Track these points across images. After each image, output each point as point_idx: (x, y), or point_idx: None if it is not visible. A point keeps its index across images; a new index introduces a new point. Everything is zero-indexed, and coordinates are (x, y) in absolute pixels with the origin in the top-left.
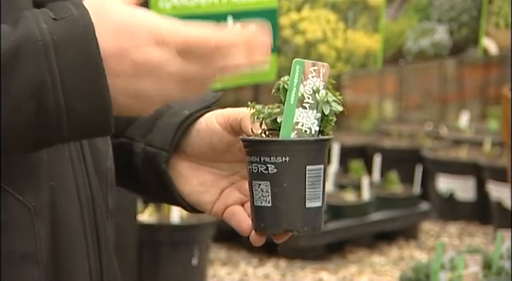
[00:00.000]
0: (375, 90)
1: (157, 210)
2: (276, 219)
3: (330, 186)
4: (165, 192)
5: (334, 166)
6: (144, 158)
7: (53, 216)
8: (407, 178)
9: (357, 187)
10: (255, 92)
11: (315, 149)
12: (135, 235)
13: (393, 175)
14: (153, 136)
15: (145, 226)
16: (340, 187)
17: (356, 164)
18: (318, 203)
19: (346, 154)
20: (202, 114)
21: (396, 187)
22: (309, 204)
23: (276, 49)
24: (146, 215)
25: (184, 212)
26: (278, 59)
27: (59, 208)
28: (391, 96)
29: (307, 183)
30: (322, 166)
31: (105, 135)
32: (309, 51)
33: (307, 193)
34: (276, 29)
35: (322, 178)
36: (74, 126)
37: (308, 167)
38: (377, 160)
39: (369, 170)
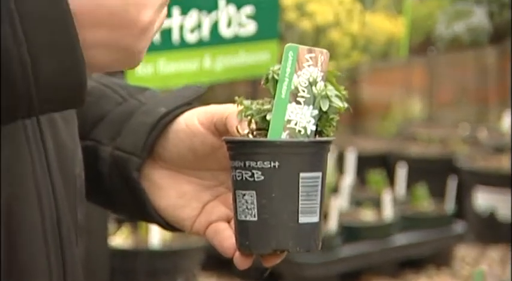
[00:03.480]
0: (399, 85)
1: (134, 231)
2: (263, 236)
3: (344, 202)
4: (136, 206)
5: (349, 178)
6: (111, 165)
7: (9, 226)
8: (438, 193)
9: (377, 204)
10: (252, 88)
11: (310, 153)
12: (105, 262)
13: (421, 189)
14: (122, 138)
15: (119, 252)
16: (357, 203)
17: (376, 176)
18: (314, 218)
19: (364, 163)
20: (181, 112)
21: (425, 204)
22: (302, 219)
23: (277, 36)
24: (120, 238)
25: (167, 235)
26: (280, 48)
27: (16, 216)
28: (419, 92)
29: (300, 194)
30: (319, 174)
31: (78, 104)
32: (318, 38)
33: (300, 205)
34: (276, 11)
35: (319, 188)
36: (42, 89)
37: (302, 175)
38: (401, 171)
39: (392, 183)
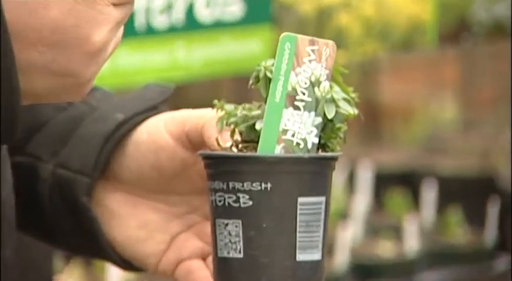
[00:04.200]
0: (426, 82)
1: (87, 270)
2: (251, 278)
3: (357, 231)
4: (85, 239)
5: (363, 201)
6: (52, 187)
7: None
8: (476, 219)
9: (399, 233)
10: (237, 87)
11: (311, 172)
12: None
13: (454, 215)
14: (67, 153)
15: None
16: (373, 232)
17: (397, 198)
18: (316, 255)
19: (382, 182)
20: (144, 119)
21: (459, 233)
22: (301, 256)
23: (270, 20)
24: (69, 279)
25: (129, 276)
26: (274, 35)
27: None
28: (451, 91)
29: (298, 224)
30: (322, 199)
31: (6, 140)
32: (322, 23)
33: (298, 238)
34: None
35: (322, 217)
36: None
37: (301, 200)
38: (429, 191)
39: (417, 207)
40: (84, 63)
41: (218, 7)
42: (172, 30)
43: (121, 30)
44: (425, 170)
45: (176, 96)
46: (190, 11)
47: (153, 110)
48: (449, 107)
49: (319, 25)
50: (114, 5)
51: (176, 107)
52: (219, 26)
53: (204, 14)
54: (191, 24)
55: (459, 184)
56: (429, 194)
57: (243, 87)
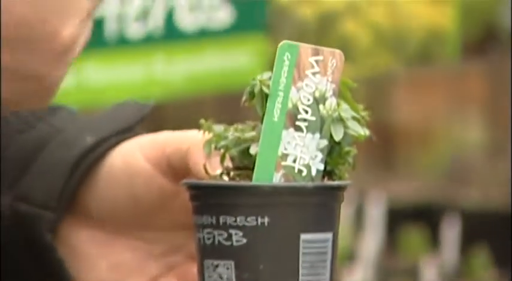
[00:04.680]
0: (447, 99)
1: None
2: None
3: (367, 274)
4: None
5: (374, 240)
6: (10, 222)
7: None
8: (504, 260)
9: (415, 277)
10: (227, 105)
11: (316, 204)
12: None
13: (480, 255)
14: (28, 184)
15: None
16: (386, 276)
17: (413, 236)
18: None
19: (396, 218)
20: (117, 143)
21: (484, 277)
22: None
23: (264, 28)
24: None
25: None
26: (268, 45)
27: None
28: (476, 110)
29: (301, 265)
30: (329, 235)
31: None
32: (324, 30)
33: None
34: None
35: (329, 257)
36: None
37: (304, 237)
38: (451, 228)
39: (437, 246)
40: (51, 63)
41: (203, 13)
42: (148, 40)
43: (90, 24)
44: (446, 203)
45: (154, 117)
46: (170, 18)
47: (128, 131)
48: (475, 128)
49: (320, 33)
50: None
51: (154, 129)
52: (204, 35)
53: (186, 21)
54: (171, 33)
55: (486, 219)
56: (451, 232)
57: (232, 106)
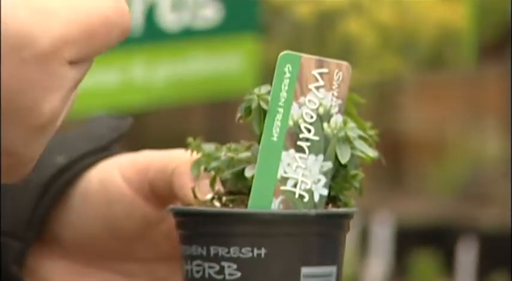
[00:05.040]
0: (462, 108)
1: None
2: None
3: None
4: None
5: (381, 265)
6: None
7: None
8: None
9: None
10: (214, 116)
11: (319, 234)
12: None
13: None
14: None
15: None
16: None
17: (425, 261)
18: None
19: (406, 241)
20: (93, 164)
21: None
22: None
23: (257, 28)
24: None
25: None
26: (261, 47)
27: None
28: (494, 119)
29: None
30: (333, 269)
31: None
32: (324, 31)
33: None
34: None
35: None
36: None
37: (305, 270)
38: (467, 252)
39: (451, 272)
40: (29, 140)
41: (187, 11)
42: (126, 41)
43: (75, 93)
44: (462, 224)
45: (133, 128)
46: (150, 17)
47: (104, 150)
48: (494, 140)
49: (320, 34)
50: (71, 63)
51: (132, 143)
52: (189, 35)
53: (169, 20)
54: (152, 34)
55: (506, 243)
56: (467, 257)
57: (221, 116)
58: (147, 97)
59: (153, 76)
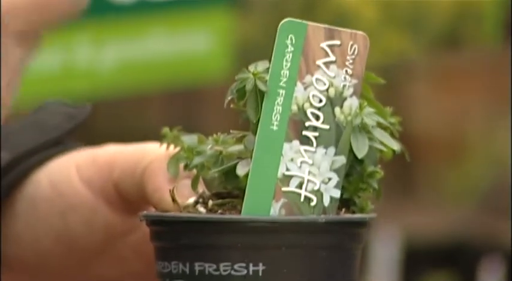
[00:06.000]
0: (484, 98)
1: None
2: None
3: None
4: None
5: None
6: None
7: None
8: None
9: None
10: (179, 105)
11: (329, 247)
12: None
13: None
14: None
15: None
16: None
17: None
18: None
19: (416, 258)
20: (43, 161)
21: None
22: None
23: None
24: None
25: None
26: (234, 23)
27: None
28: None
29: None
30: None
31: None
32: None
33: None
34: None
35: None
36: None
37: None
38: (490, 272)
39: None
40: None
41: None
42: None
43: (19, 81)
44: (484, 241)
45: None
46: None
47: (57, 145)
48: None
49: (309, 8)
50: (16, 38)
51: (93, 140)
52: (145, 8)
53: None
54: (99, 7)
55: None
56: (491, 277)
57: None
58: (92, 84)
59: (99, 58)
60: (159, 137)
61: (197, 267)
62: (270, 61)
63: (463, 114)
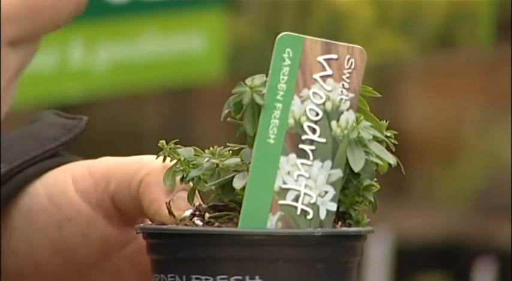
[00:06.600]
0: (478, 98)
1: None
2: None
3: None
4: None
5: None
6: None
7: None
8: None
9: None
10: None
11: (327, 259)
12: None
13: None
14: None
15: None
16: None
17: None
18: None
19: (408, 260)
20: (40, 173)
21: None
22: None
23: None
24: None
25: None
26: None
27: None
28: None
29: None
30: None
31: None
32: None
33: None
34: None
35: None
36: None
37: None
38: (483, 274)
39: None
40: None
41: None
42: None
43: (15, 83)
44: (478, 242)
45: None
46: None
47: (54, 156)
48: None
49: (303, 8)
50: (12, 44)
51: (89, 153)
52: (139, 9)
53: None
54: (93, 7)
55: None
56: (483, 278)
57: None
58: (86, 84)
59: (93, 59)
60: (152, 138)
61: (194, 280)
62: (266, 74)
63: (456, 114)
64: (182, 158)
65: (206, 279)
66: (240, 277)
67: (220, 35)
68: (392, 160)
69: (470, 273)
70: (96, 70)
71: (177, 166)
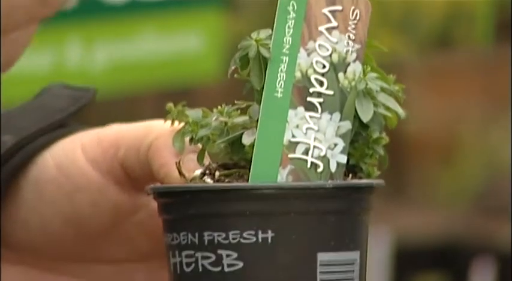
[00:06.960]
0: (477, 98)
1: None
2: None
3: None
4: None
5: None
6: None
7: None
8: None
9: None
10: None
11: (337, 212)
12: None
13: None
14: None
15: None
16: None
17: None
18: None
19: (408, 260)
20: (48, 143)
21: None
22: None
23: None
24: None
25: None
26: (226, 23)
27: None
28: None
29: None
30: (356, 255)
31: None
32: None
33: None
34: None
35: None
36: None
37: (322, 257)
38: (482, 274)
39: None
40: None
41: None
42: (60, 17)
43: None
44: (476, 242)
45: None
46: None
47: (62, 127)
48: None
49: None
50: None
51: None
52: (137, 9)
53: None
54: (90, 7)
55: None
56: (481, 278)
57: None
58: (83, 84)
59: (90, 59)
60: None
61: (206, 236)
62: (272, 28)
63: (456, 114)
64: (190, 120)
65: (218, 235)
66: (252, 232)
67: (218, 35)
68: (401, 111)
69: (470, 273)
70: (94, 70)
71: (186, 128)
